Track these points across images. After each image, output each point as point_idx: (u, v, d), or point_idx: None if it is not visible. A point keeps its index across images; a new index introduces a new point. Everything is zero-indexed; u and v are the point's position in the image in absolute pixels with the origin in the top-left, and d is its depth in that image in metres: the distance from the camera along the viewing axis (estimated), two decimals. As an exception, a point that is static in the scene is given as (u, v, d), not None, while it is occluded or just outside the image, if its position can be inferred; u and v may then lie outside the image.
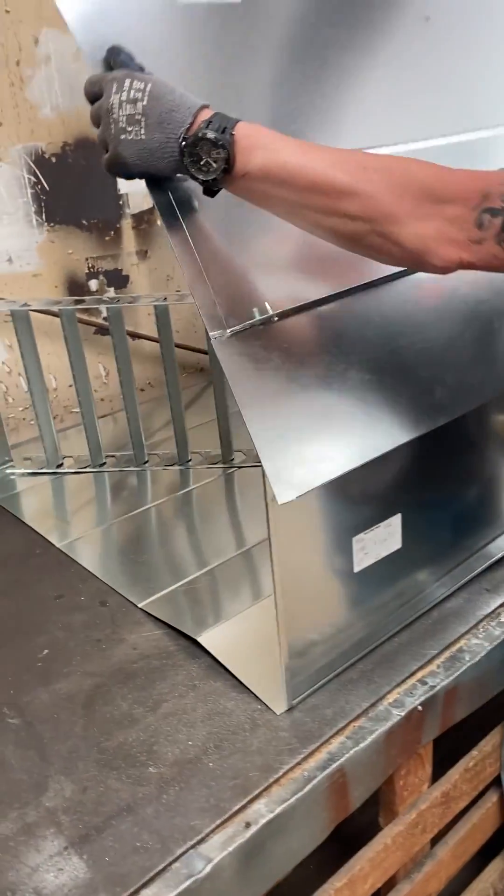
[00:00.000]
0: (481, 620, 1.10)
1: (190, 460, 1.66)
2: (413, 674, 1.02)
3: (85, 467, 1.66)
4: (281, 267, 0.97)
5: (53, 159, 1.80)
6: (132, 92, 0.76)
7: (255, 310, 0.89)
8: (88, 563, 1.31)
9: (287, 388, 0.90)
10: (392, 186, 0.74)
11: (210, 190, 0.81)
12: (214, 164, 0.75)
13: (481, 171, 0.77)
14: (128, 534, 1.42)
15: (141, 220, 1.98)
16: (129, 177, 0.81)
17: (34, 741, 0.96)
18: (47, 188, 1.81)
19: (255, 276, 0.93)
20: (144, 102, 0.75)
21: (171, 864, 0.80)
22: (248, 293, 0.90)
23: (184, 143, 0.76)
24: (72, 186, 1.84)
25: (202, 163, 0.76)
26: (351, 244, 0.80)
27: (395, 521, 1.01)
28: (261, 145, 0.76)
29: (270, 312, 0.90)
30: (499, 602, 1.14)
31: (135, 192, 1.95)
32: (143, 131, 0.75)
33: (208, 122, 0.75)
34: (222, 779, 0.89)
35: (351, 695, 0.99)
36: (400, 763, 0.99)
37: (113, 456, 1.70)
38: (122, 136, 0.76)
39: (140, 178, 0.81)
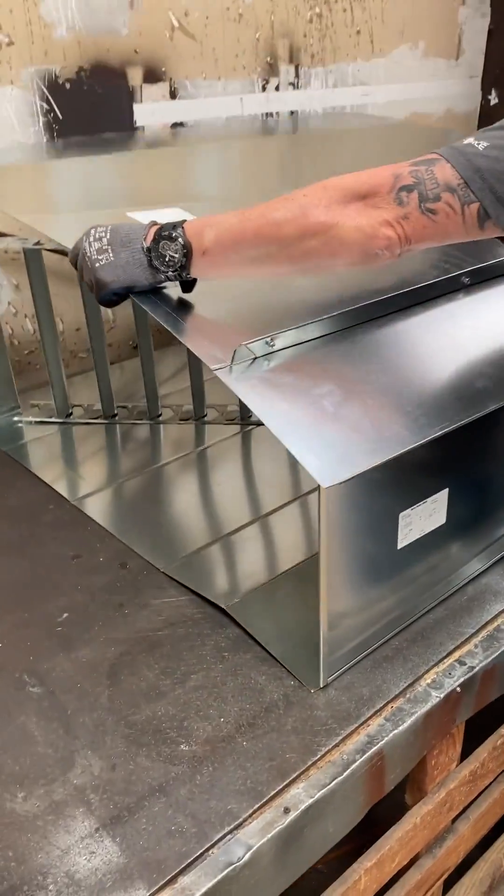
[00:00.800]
0: (518, 598, 1.07)
1: (205, 415, 1.60)
2: (450, 653, 0.99)
3: (96, 418, 1.59)
4: (262, 312, 1.01)
5: (68, 85, 1.68)
6: (97, 234, 0.93)
7: (249, 344, 0.89)
8: (104, 521, 1.26)
9: (312, 396, 0.87)
10: (319, 202, 0.84)
11: (185, 284, 0.95)
12: (176, 255, 0.89)
13: (390, 164, 0.85)
14: (143, 491, 1.37)
15: (157, 155, 1.87)
16: (115, 296, 0.94)
17: (58, 712, 0.92)
18: (60, 117, 1.69)
19: (243, 322, 0.97)
20: (108, 237, 0.92)
21: (208, 849, 0.76)
22: (241, 333, 0.93)
23: (147, 249, 0.90)
24: (87, 116, 1.73)
25: (167, 259, 0.89)
26: (309, 264, 0.87)
27: (442, 497, 0.97)
28: (207, 225, 0.89)
29: (270, 341, 0.91)
30: (535, 579, 1.10)
31: (151, 125, 1.84)
32: (111, 255, 0.91)
33: (160, 228, 0.90)
34: (258, 759, 0.85)
35: (387, 673, 0.96)
36: (433, 743, 0.97)
37: (125, 407, 1.63)
38: (97, 265, 0.92)
39: (124, 293, 0.94)
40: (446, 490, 0.96)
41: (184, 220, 0.91)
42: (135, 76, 1.78)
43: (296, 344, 0.94)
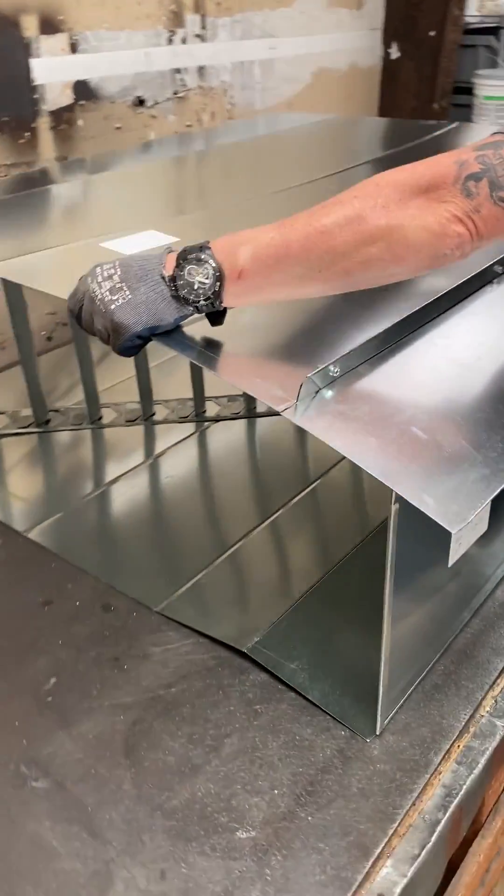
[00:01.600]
0: (549, 597, 0.99)
1: (154, 414, 1.43)
2: (501, 672, 0.89)
3: (27, 426, 1.39)
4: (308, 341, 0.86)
5: (-46, 37, 1.42)
6: (104, 272, 0.78)
7: (313, 376, 0.74)
8: (70, 554, 1.08)
9: (398, 425, 0.74)
10: (375, 202, 0.71)
11: (214, 315, 0.80)
12: (207, 281, 0.75)
13: (450, 151, 0.74)
14: (106, 512, 1.19)
15: (60, 118, 1.65)
16: (139, 340, 0.78)
17: (75, 811, 0.76)
18: None
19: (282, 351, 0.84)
20: (118, 273, 0.77)
21: None
22: (288, 364, 0.81)
23: (171, 279, 0.76)
24: (-22, 74, 1.48)
25: (195, 286, 0.75)
26: (368, 275, 0.75)
27: (487, 505, 0.86)
28: (239, 242, 0.75)
29: (333, 369, 0.76)
30: None
31: (53, 84, 1.61)
32: (127, 293, 0.76)
33: (182, 252, 0.76)
34: (331, 837, 0.73)
35: (443, 706, 0.85)
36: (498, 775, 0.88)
37: (57, 411, 1.44)
38: (112, 307, 0.76)
39: (150, 335, 0.78)
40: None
41: (207, 241, 0.76)
42: (29, 26, 1.54)
43: (353, 368, 0.79)
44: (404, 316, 0.84)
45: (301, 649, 0.90)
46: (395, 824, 0.74)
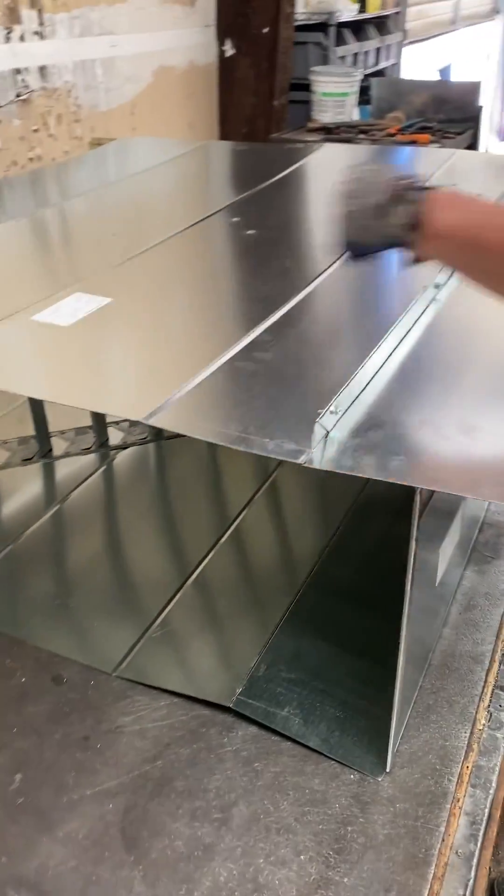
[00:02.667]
0: (506, 593, 1.00)
1: (51, 449, 1.31)
2: (486, 681, 0.89)
3: None
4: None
5: None
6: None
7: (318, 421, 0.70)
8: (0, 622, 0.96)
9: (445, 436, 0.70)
10: None
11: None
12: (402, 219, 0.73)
13: None
14: (27, 569, 1.07)
15: None
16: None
17: (87, 930, 0.66)
18: None
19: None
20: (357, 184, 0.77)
21: None
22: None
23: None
24: None
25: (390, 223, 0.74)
26: None
27: (460, 513, 0.85)
28: (456, 206, 0.73)
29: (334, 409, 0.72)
30: (508, 568, 1.04)
31: None
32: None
33: (402, 185, 0.74)
34: (373, 896, 0.68)
35: (441, 727, 0.83)
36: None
37: None
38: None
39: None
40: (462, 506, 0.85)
41: (431, 187, 0.74)
42: None
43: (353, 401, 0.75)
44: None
45: (289, 693, 0.85)
46: (432, 868, 0.71)
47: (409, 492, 0.66)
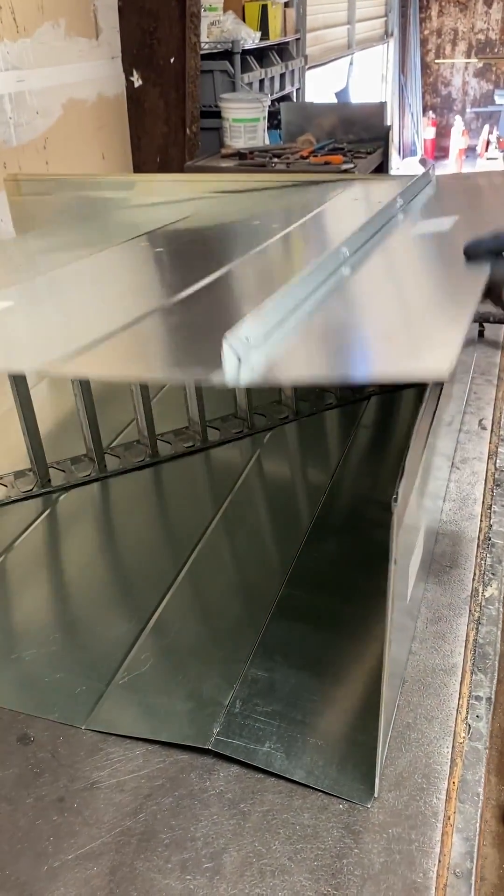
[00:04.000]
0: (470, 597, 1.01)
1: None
2: (460, 693, 0.89)
3: None
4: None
5: None
6: None
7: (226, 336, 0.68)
8: (-46, 684, 0.91)
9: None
10: None
11: None
12: None
13: None
14: (-23, 622, 1.02)
15: None
16: None
17: None
18: None
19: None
20: None
21: None
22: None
23: None
24: None
25: None
26: None
27: (422, 525, 0.85)
28: None
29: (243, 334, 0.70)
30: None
31: None
32: None
33: None
34: (377, 930, 0.67)
35: (421, 745, 0.82)
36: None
37: None
38: None
39: None
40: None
41: None
42: None
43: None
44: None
45: (267, 727, 0.83)
46: (433, 891, 0.69)
47: (386, 509, 0.65)
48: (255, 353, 0.68)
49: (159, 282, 1.13)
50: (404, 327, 0.76)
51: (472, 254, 0.94)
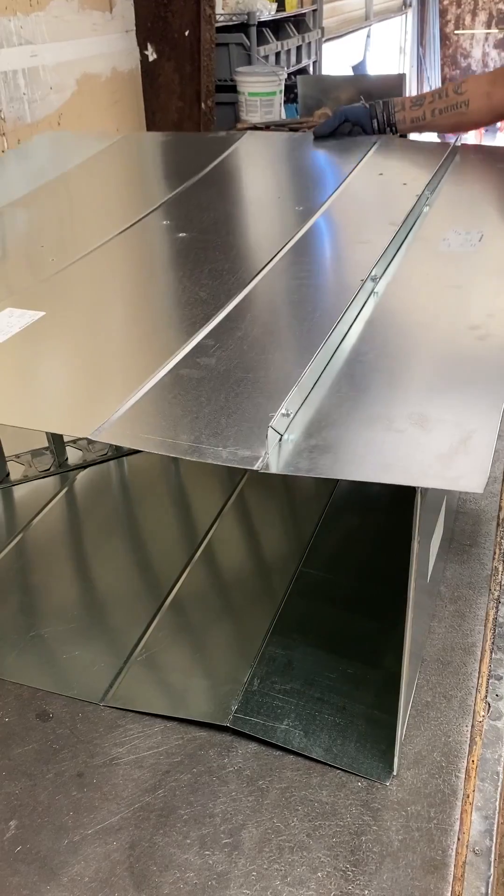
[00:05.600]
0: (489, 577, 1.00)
1: (8, 475, 1.26)
2: (480, 672, 0.88)
3: None
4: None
5: None
6: None
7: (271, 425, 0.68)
8: (-27, 661, 0.91)
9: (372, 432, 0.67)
10: None
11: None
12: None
13: None
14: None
15: None
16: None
17: None
18: None
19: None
20: None
21: None
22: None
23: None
24: None
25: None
26: None
27: (443, 502, 0.84)
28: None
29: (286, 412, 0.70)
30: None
31: None
32: None
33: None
34: (396, 906, 0.67)
35: (440, 723, 0.82)
36: None
37: None
38: None
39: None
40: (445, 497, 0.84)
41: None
42: None
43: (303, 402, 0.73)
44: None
45: (286, 704, 0.83)
46: (452, 868, 0.69)
47: (407, 491, 0.65)
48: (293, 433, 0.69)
49: (188, 296, 1.06)
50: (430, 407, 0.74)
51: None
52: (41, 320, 0.91)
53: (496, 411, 0.71)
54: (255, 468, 0.64)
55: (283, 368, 0.79)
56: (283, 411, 0.69)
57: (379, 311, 0.92)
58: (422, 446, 0.66)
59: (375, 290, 0.95)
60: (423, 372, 0.80)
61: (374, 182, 1.40)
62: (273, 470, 0.63)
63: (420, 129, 1.58)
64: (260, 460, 0.64)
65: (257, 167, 1.58)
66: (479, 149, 1.62)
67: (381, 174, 1.44)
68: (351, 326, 0.87)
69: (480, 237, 1.09)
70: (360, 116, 1.60)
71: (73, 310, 0.98)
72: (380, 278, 0.98)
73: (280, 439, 0.67)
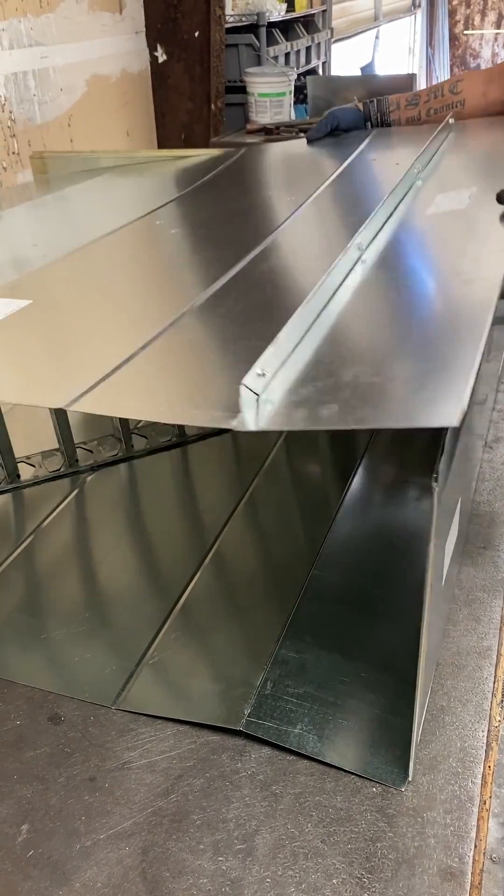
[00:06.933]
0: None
1: (19, 476, 1.26)
2: (496, 676, 0.87)
3: None
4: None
5: None
6: None
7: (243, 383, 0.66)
8: (-15, 664, 0.91)
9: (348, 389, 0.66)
10: None
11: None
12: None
13: None
14: (6, 599, 1.02)
15: None
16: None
17: None
18: None
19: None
20: None
21: None
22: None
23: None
24: None
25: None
26: None
27: (458, 504, 0.83)
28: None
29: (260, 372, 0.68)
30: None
31: None
32: None
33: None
34: (412, 914, 0.66)
35: (455, 727, 0.81)
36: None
37: None
38: None
39: None
40: (459, 499, 0.83)
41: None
42: None
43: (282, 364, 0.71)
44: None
45: (299, 708, 0.82)
46: (469, 876, 0.68)
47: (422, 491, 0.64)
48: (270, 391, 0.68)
49: (173, 280, 1.08)
50: (414, 359, 0.73)
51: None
52: (28, 307, 0.93)
53: (474, 355, 0.69)
54: (231, 426, 0.64)
55: (265, 334, 0.78)
56: (258, 371, 0.68)
57: (368, 276, 0.91)
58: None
59: (363, 258, 0.94)
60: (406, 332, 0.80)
61: (367, 167, 1.42)
62: (251, 427, 0.63)
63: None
64: (235, 419, 0.64)
65: (251, 174, 1.60)
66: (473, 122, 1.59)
67: (374, 159, 1.44)
68: (337, 290, 0.86)
69: (470, 195, 1.09)
70: (352, 120, 1.59)
71: (60, 297, 1.01)
72: (367, 246, 0.97)
73: (257, 399, 0.66)
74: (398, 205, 1.12)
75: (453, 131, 1.51)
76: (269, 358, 0.69)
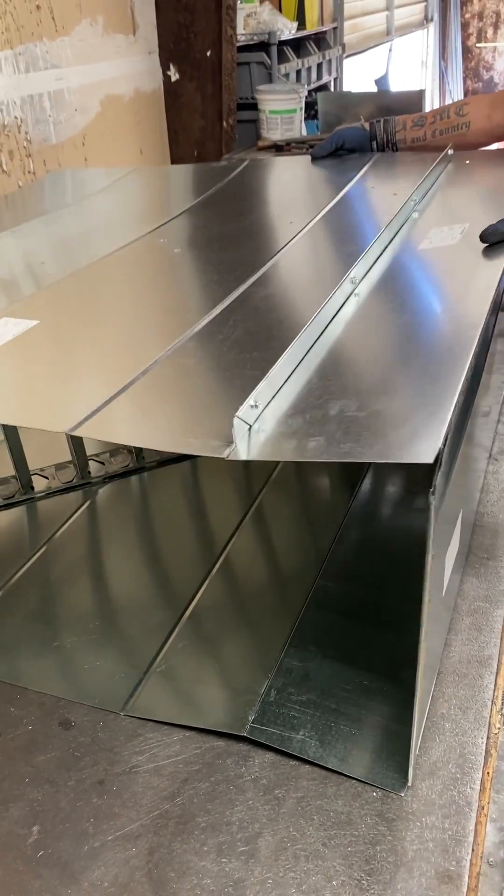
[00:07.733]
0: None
1: (33, 488, 1.29)
2: (496, 685, 0.89)
3: None
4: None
5: None
6: None
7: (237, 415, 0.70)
8: (-2, 670, 0.94)
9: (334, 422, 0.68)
10: None
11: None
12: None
13: None
14: (19, 608, 1.05)
15: None
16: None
17: None
18: None
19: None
20: None
21: None
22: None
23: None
24: None
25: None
26: None
27: (459, 516, 0.85)
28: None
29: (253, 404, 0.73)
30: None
31: None
32: None
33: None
34: (410, 916, 0.68)
35: (455, 734, 0.83)
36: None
37: None
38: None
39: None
40: (461, 509, 0.85)
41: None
42: None
43: (274, 395, 0.75)
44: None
45: (302, 715, 0.84)
46: (466, 879, 0.70)
47: (426, 497, 0.66)
48: (263, 420, 0.72)
49: (176, 304, 1.10)
50: (398, 395, 0.76)
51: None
52: (35, 328, 0.97)
53: (453, 394, 0.72)
54: (224, 456, 0.68)
55: (260, 366, 0.81)
56: (252, 403, 0.71)
57: (359, 309, 0.94)
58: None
59: (356, 292, 0.97)
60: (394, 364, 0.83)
61: (364, 196, 1.44)
62: (243, 457, 0.68)
63: (420, 150, 1.60)
64: (229, 449, 0.68)
65: (253, 191, 1.63)
66: (471, 154, 1.62)
67: (372, 187, 1.47)
68: (329, 323, 0.89)
69: (462, 230, 1.12)
70: (358, 140, 1.61)
71: (67, 317, 1.04)
72: (360, 280, 1.00)
73: (249, 429, 0.70)
74: (393, 237, 1.15)
75: (452, 161, 1.54)
76: (263, 389, 0.74)
